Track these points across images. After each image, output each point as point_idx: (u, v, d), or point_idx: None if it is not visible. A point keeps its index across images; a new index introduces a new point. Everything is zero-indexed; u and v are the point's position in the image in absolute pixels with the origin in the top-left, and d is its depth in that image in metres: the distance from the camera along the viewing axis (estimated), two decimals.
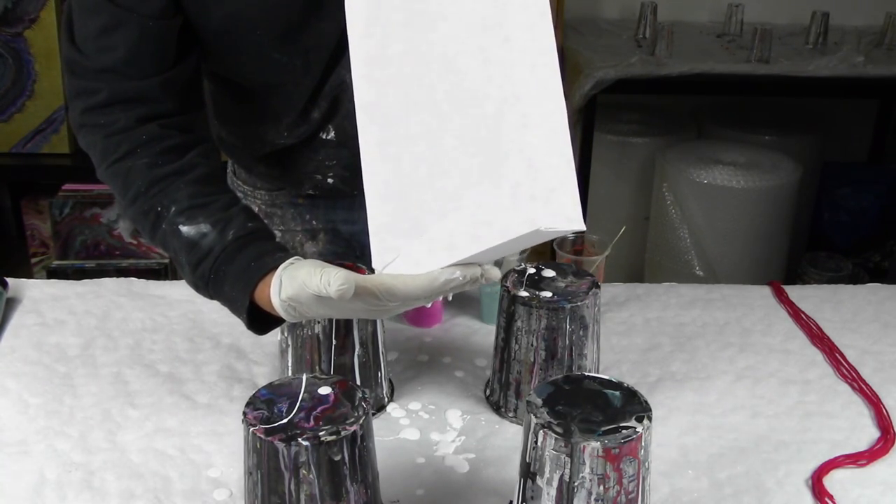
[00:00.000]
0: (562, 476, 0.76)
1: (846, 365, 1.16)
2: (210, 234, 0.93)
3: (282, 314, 0.87)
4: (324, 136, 1.16)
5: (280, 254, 0.90)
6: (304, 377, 0.83)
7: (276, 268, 0.88)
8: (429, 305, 0.89)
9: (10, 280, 1.27)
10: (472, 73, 0.83)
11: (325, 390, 0.81)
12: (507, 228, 0.79)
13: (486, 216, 0.81)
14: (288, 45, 1.05)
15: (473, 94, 0.83)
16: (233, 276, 0.91)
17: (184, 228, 0.93)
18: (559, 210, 0.78)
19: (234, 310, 0.93)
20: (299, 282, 0.83)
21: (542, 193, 0.78)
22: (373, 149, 0.90)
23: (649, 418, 0.78)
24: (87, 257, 2.43)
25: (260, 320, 0.92)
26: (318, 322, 0.98)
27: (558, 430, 0.76)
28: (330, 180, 1.20)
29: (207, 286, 0.94)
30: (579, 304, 1.00)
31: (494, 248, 0.81)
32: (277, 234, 1.30)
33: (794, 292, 1.33)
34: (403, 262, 0.86)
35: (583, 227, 0.78)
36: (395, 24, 0.89)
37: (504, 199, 0.80)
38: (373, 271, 1.00)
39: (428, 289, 0.82)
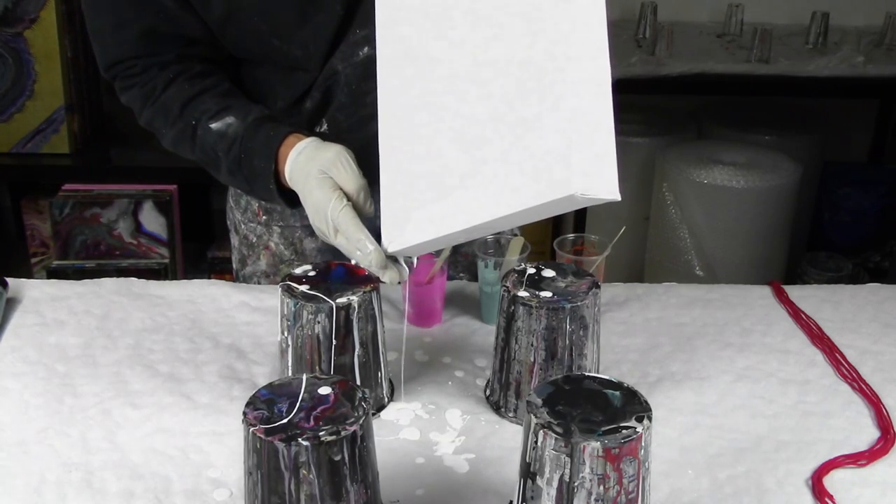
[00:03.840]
0: (562, 476, 0.76)
1: (846, 365, 1.16)
2: (234, 124, 1.08)
3: (286, 170, 1.02)
4: (317, 130, 1.17)
5: (294, 129, 1.05)
6: (304, 377, 0.83)
7: (293, 133, 1.03)
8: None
9: (10, 280, 1.27)
10: (509, 30, 0.80)
11: (325, 390, 0.81)
12: (541, 192, 0.76)
13: (519, 179, 0.78)
14: (287, 34, 1.08)
15: (509, 52, 0.80)
16: (259, 149, 1.05)
17: (213, 125, 1.08)
18: (597, 177, 0.74)
19: (265, 181, 1.05)
20: (325, 191, 0.95)
21: (580, 159, 0.74)
22: (391, 111, 0.89)
23: (649, 418, 0.78)
24: (87, 257, 2.43)
25: (290, 194, 1.05)
26: (318, 322, 0.98)
27: (558, 430, 0.76)
28: None
29: (241, 167, 1.07)
30: (579, 304, 1.00)
31: (526, 211, 0.78)
32: (277, 230, 1.32)
33: (794, 292, 1.33)
34: (415, 226, 0.85)
35: (618, 198, 0.75)
36: None
37: (538, 163, 0.76)
38: (374, 275, 1.01)
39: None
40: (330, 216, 0.95)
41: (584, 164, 0.74)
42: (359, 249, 0.94)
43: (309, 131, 1.07)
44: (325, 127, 1.17)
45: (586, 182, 0.74)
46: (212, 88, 1.11)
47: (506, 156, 0.79)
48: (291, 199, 1.06)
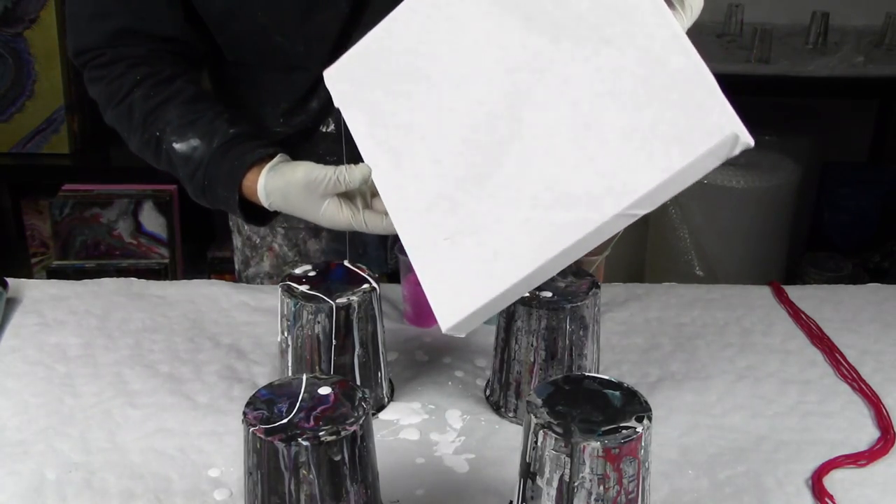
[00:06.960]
0: (562, 476, 0.76)
1: (846, 365, 1.16)
2: (199, 147, 1.04)
3: (265, 202, 1.00)
4: (323, 129, 1.17)
5: (260, 150, 1.02)
6: (304, 377, 0.83)
7: (255, 163, 1.01)
8: None
9: (10, 280, 1.27)
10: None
11: (325, 390, 0.81)
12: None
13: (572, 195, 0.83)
14: (290, 31, 1.08)
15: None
16: (223, 179, 1.03)
17: (177, 146, 1.05)
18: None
19: (230, 209, 1.05)
20: (299, 174, 0.96)
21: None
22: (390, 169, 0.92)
23: (649, 418, 0.78)
24: (87, 257, 2.43)
25: (257, 214, 1.05)
26: (318, 322, 0.98)
27: (558, 430, 0.76)
28: None
29: (205, 193, 1.06)
30: (579, 304, 1.00)
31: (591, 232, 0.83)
32: (281, 231, 1.32)
33: (794, 292, 1.33)
34: (467, 292, 0.86)
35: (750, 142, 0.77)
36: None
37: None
38: (374, 275, 1.01)
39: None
40: (356, 226, 0.98)
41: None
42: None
43: (279, 147, 1.06)
44: (331, 127, 1.17)
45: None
46: (176, 97, 1.07)
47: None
48: (263, 216, 1.06)
